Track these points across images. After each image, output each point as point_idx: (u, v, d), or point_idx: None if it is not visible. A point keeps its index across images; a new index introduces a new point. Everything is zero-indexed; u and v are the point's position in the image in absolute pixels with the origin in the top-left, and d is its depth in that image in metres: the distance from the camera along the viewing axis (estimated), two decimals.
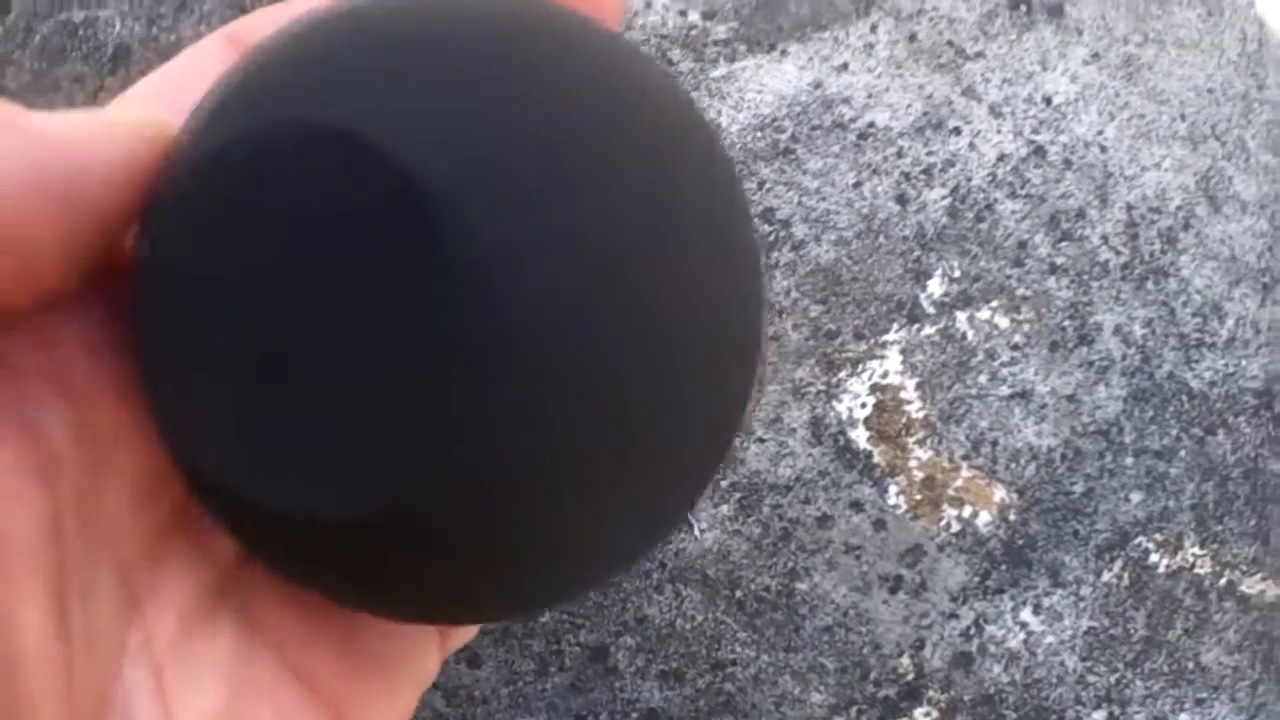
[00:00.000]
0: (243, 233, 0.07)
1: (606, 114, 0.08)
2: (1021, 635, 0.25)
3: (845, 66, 0.25)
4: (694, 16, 0.25)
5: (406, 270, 0.07)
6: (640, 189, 0.08)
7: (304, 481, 0.07)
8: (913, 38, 0.25)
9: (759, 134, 0.25)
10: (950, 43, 0.26)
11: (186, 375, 0.08)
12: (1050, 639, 0.25)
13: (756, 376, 0.10)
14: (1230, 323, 0.26)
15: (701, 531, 0.24)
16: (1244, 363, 0.26)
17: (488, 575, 0.08)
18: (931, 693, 0.24)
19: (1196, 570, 0.26)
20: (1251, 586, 0.26)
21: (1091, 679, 0.25)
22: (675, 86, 0.09)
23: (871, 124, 0.25)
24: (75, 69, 0.31)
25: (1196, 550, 0.26)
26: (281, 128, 0.07)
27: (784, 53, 0.25)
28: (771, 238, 0.25)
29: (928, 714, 0.24)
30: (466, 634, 0.11)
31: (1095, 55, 0.26)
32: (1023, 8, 0.26)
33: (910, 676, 0.24)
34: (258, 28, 0.10)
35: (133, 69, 0.30)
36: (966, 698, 0.24)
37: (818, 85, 0.25)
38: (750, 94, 0.25)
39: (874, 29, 0.25)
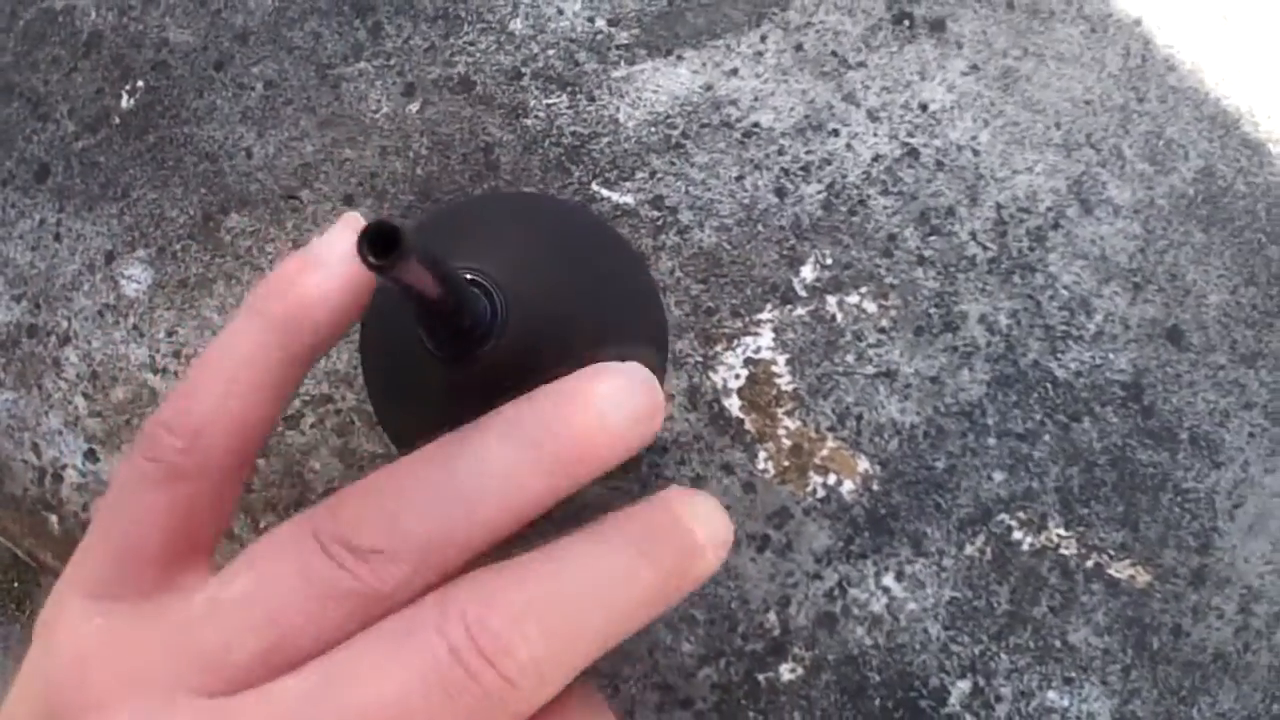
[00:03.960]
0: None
1: (586, 250, 0.23)
2: (884, 600, 0.31)
3: (735, 72, 0.33)
4: (600, 23, 0.34)
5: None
6: (598, 273, 0.23)
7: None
8: (799, 47, 0.34)
9: (653, 129, 0.33)
10: (834, 53, 0.34)
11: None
12: (913, 605, 0.32)
13: (662, 365, 0.24)
14: (1099, 318, 0.33)
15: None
16: (1112, 356, 0.33)
17: None
18: (797, 650, 0.31)
19: (1062, 550, 0.33)
20: (1120, 571, 0.33)
21: (955, 648, 0.32)
22: (610, 229, 0.27)
23: (756, 124, 0.33)
24: (53, 51, 0.40)
25: (1061, 531, 0.33)
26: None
27: (680, 57, 0.33)
28: (660, 222, 0.33)
29: (793, 670, 0.31)
30: None
31: (974, 67, 0.34)
32: (905, 22, 0.34)
33: (776, 633, 0.31)
34: (278, 290, 0.19)
35: (104, 53, 0.39)
36: (830, 657, 0.31)
37: (709, 88, 0.33)
38: (647, 93, 0.33)
39: (764, 39, 0.34)
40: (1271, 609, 0.33)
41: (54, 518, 0.35)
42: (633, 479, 0.31)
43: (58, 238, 0.37)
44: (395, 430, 0.25)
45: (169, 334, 0.35)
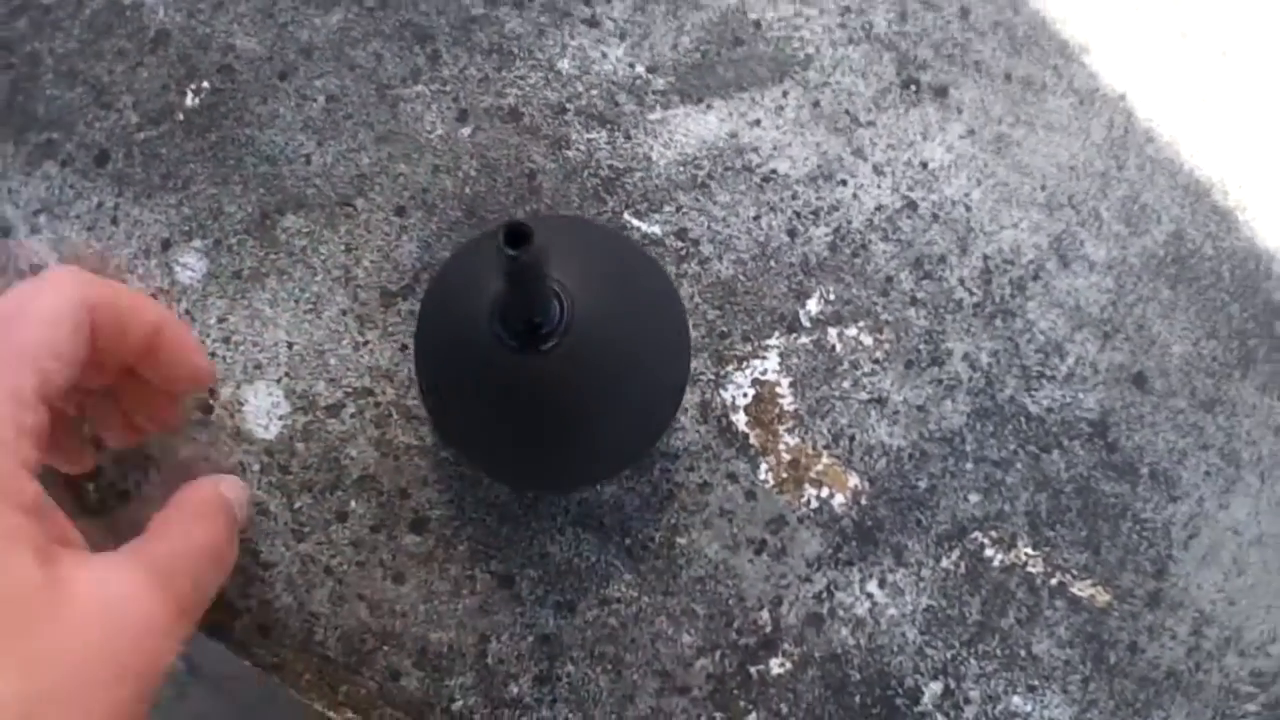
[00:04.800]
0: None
1: (632, 272, 0.30)
2: (867, 604, 0.36)
3: (758, 122, 0.39)
4: (640, 69, 0.39)
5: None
6: (641, 294, 0.29)
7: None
8: (816, 104, 0.39)
9: (682, 168, 0.38)
10: (847, 111, 0.39)
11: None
12: (893, 611, 0.36)
13: (684, 380, 0.30)
14: (1070, 361, 0.39)
15: (601, 485, 0.36)
16: (1081, 396, 0.39)
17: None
18: (786, 646, 0.36)
19: (1029, 568, 0.38)
20: (1082, 590, 0.38)
21: (930, 652, 0.37)
22: (651, 257, 0.33)
23: (774, 170, 0.38)
24: (119, 44, 0.44)
25: (1029, 550, 0.38)
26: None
27: (709, 106, 0.39)
28: (683, 252, 0.38)
29: (782, 665, 0.36)
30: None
31: (971, 131, 0.40)
32: (912, 87, 0.40)
33: (768, 629, 0.36)
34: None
35: (170, 51, 0.43)
36: (817, 654, 0.36)
37: (734, 135, 0.39)
38: (679, 136, 0.39)
39: (785, 94, 0.39)
40: (1222, 633, 0.38)
41: (90, 486, 0.40)
42: (646, 481, 0.36)
43: (114, 221, 0.41)
44: (446, 406, 0.29)
45: (220, 320, 0.39)
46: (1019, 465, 0.37)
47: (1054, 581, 0.37)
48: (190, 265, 0.40)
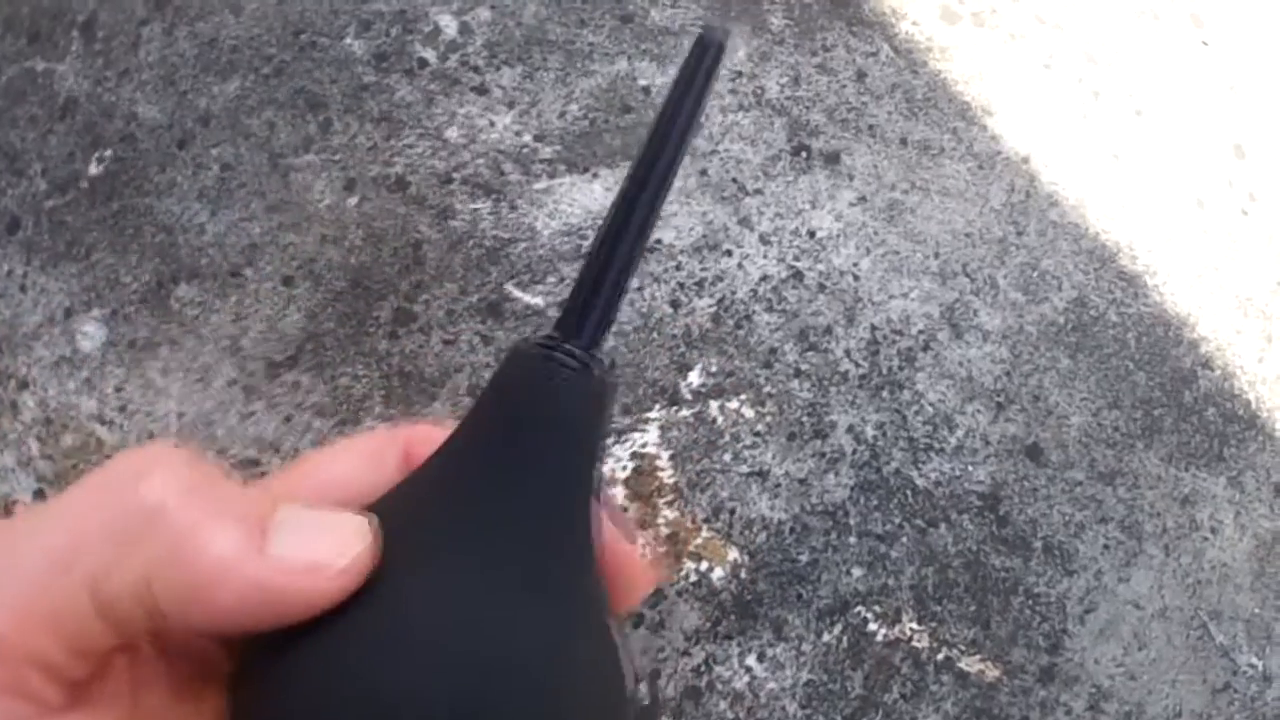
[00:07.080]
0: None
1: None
2: (746, 678, 0.39)
3: None
4: (527, 138, 0.42)
5: None
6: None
7: None
8: (704, 172, 0.42)
9: (566, 239, 0.41)
10: (735, 179, 0.42)
11: None
12: (772, 685, 0.39)
13: None
14: (960, 433, 0.41)
15: None
16: (971, 469, 0.41)
17: None
18: (664, 719, 0.39)
19: (914, 643, 0.40)
20: (970, 665, 0.40)
21: None
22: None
23: (658, 240, 0.41)
24: (31, 111, 0.48)
25: (915, 625, 0.40)
26: None
27: (595, 175, 0.42)
28: None
29: None
30: None
31: (862, 198, 0.42)
32: (803, 154, 0.42)
33: (646, 702, 0.39)
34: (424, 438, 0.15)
35: (78, 119, 0.47)
36: None
37: None
38: (564, 206, 0.42)
39: None
40: (1122, 708, 0.40)
41: None
42: None
43: (23, 289, 0.45)
44: None
45: (117, 390, 0.42)
46: (904, 539, 0.39)
47: (941, 656, 0.39)
48: (90, 334, 0.43)
